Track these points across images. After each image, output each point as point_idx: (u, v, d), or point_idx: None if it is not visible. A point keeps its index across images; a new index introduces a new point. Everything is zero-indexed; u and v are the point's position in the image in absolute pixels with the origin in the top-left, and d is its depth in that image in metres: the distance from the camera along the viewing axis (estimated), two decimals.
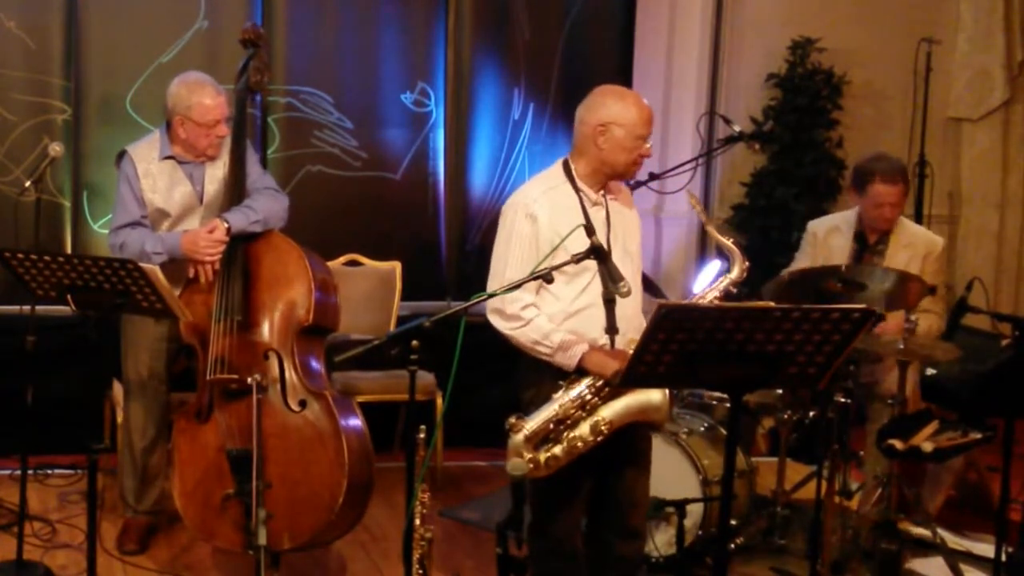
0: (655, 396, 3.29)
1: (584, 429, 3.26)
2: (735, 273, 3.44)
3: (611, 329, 3.36)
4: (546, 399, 3.30)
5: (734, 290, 3.46)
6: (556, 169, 3.46)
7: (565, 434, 3.26)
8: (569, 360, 3.29)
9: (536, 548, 3.55)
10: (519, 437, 3.24)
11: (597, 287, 3.34)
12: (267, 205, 4.14)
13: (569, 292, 3.35)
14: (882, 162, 4.56)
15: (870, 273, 4.15)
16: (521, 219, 3.34)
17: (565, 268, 3.23)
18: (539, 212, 3.33)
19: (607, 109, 3.37)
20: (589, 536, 3.56)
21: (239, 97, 4.22)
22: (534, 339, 3.31)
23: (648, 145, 3.41)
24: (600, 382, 3.27)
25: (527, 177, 3.68)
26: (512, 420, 3.25)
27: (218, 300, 3.97)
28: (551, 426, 3.25)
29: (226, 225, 4.02)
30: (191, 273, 4.06)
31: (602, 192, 3.45)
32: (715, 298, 3.44)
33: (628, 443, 3.42)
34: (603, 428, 3.27)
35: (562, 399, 3.27)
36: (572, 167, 3.43)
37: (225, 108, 4.18)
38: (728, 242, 3.49)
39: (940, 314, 4.51)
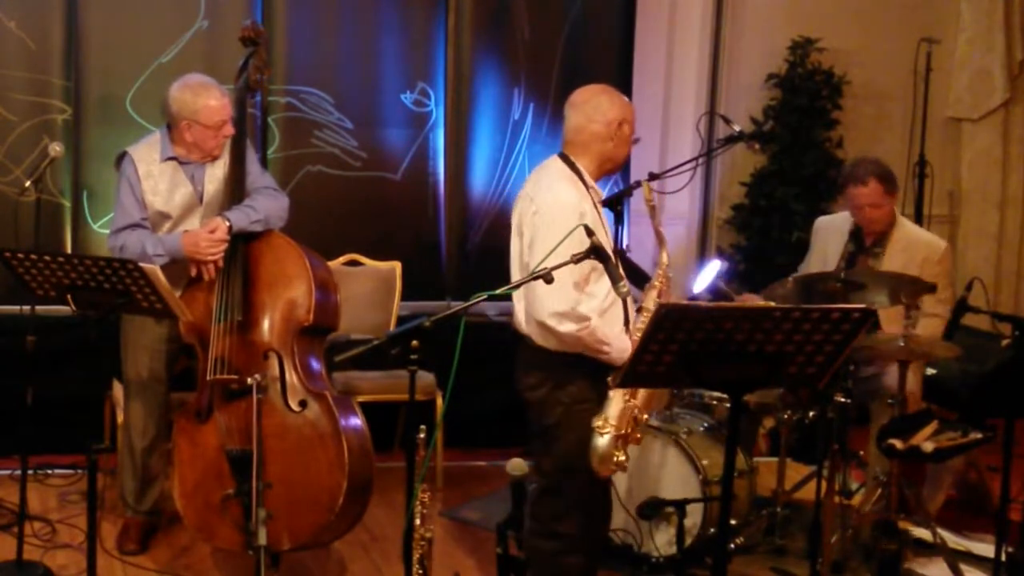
0: None
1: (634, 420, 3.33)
2: (664, 257, 3.56)
3: (626, 321, 3.43)
4: (576, 399, 3.34)
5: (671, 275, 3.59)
6: (561, 166, 3.47)
7: (630, 427, 3.30)
8: (621, 355, 3.32)
9: (566, 547, 3.52)
10: (609, 437, 3.25)
11: None
12: (267, 204, 4.14)
13: (602, 289, 3.38)
14: (857, 166, 4.58)
15: (867, 276, 4.16)
16: (578, 219, 3.28)
17: (598, 265, 3.27)
18: (586, 209, 3.36)
19: (617, 108, 3.46)
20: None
21: (239, 96, 4.23)
22: (599, 338, 3.32)
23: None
24: None
25: (527, 177, 3.67)
26: (598, 422, 3.25)
27: (218, 300, 3.97)
28: (628, 420, 3.27)
29: (227, 224, 4.02)
30: (193, 272, 4.06)
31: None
32: (662, 281, 3.51)
33: None
34: (643, 417, 3.34)
35: (619, 394, 3.30)
36: (577, 165, 3.45)
37: (230, 108, 4.18)
38: (661, 231, 3.61)
39: (943, 318, 4.47)
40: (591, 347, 3.34)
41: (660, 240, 3.59)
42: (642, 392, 3.34)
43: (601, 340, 3.33)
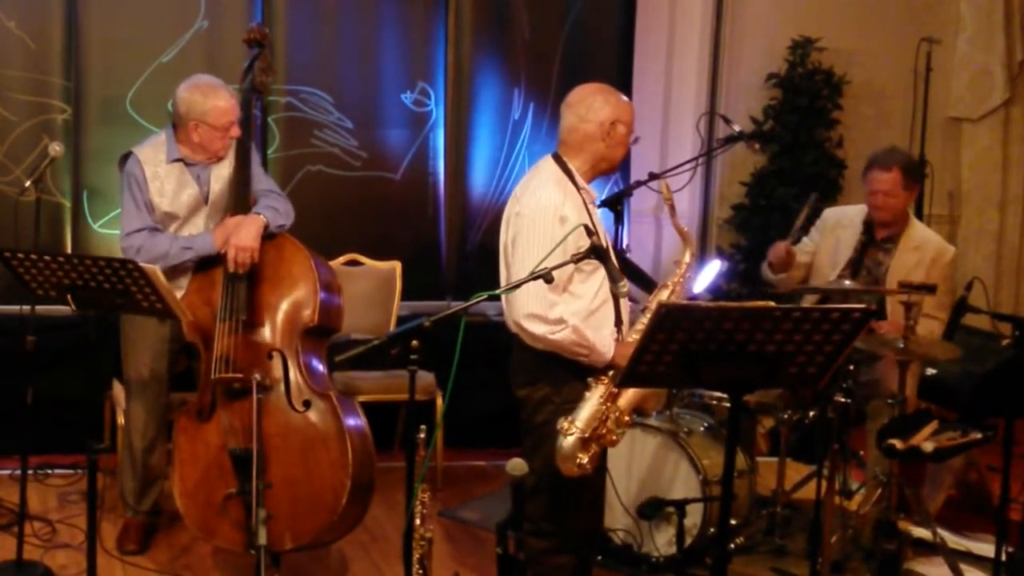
0: None
1: (611, 423, 3.29)
2: (687, 257, 3.55)
3: (618, 322, 3.41)
4: (567, 398, 3.32)
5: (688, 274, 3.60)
6: (554, 167, 3.46)
7: (599, 430, 3.28)
8: (602, 357, 3.31)
9: (555, 545, 3.51)
10: (573, 439, 3.23)
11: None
12: (286, 207, 4.17)
13: (589, 289, 3.37)
14: (887, 152, 4.62)
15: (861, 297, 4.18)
16: (557, 223, 3.31)
17: (583, 266, 3.28)
18: (569, 213, 3.34)
19: (611, 107, 3.43)
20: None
21: (244, 97, 4.22)
22: (576, 341, 3.30)
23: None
24: None
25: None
26: (564, 424, 3.24)
27: (223, 299, 3.97)
28: (596, 424, 3.26)
29: (264, 220, 4.02)
30: (231, 268, 3.99)
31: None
32: (676, 282, 3.50)
33: None
34: (625, 419, 3.31)
35: (595, 396, 3.28)
36: (569, 165, 3.45)
37: (237, 109, 4.17)
38: (685, 229, 3.61)
39: (943, 321, 4.48)
40: (567, 350, 3.31)
41: (685, 238, 3.57)
42: (628, 394, 3.31)
43: (579, 343, 3.29)
